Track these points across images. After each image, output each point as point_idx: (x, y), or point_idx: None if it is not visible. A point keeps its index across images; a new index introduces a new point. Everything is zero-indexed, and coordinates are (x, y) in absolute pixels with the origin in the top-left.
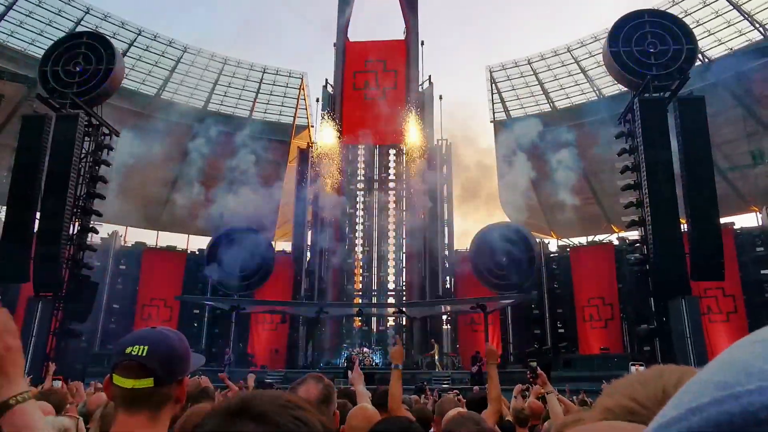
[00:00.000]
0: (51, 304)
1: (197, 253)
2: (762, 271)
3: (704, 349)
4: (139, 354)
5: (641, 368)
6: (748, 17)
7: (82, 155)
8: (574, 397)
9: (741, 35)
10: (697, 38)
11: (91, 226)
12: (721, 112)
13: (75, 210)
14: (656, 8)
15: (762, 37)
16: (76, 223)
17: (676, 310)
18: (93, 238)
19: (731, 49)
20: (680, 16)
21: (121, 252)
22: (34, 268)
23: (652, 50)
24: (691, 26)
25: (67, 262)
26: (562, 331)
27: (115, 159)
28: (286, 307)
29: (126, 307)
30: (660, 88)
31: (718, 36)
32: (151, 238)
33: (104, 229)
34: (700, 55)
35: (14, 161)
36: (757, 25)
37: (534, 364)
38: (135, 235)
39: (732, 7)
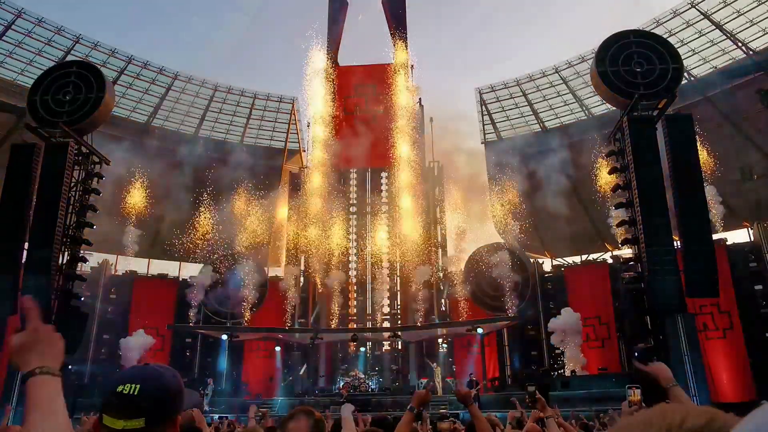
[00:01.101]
0: None
1: (189, 280)
2: (756, 287)
3: (702, 367)
4: (131, 393)
5: (638, 391)
6: (731, 36)
7: (72, 184)
8: (573, 421)
9: (725, 54)
10: (683, 57)
11: (80, 255)
12: (709, 129)
13: (64, 239)
14: (641, 29)
15: (745, 55)
16: (66, 253)
17: (673, 327)
18: (83, 268)
19: (716, 67)
20: (665, 36)
21: (112, 281)
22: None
23: (638, 70)
24: (676, 46)
25: (56, 293)
26: (559, 351)
27: (105, 187)
28: (280, 333)
29: (116, 337)
30: (648, 107)
31: (702, 55)
32: (142, 266)
33: (94, 258)
34: (686, 74)
35: (2, 191)
36: (740, 44)
37: (532, 388)
38: (126, 264)
39: (714, 27)
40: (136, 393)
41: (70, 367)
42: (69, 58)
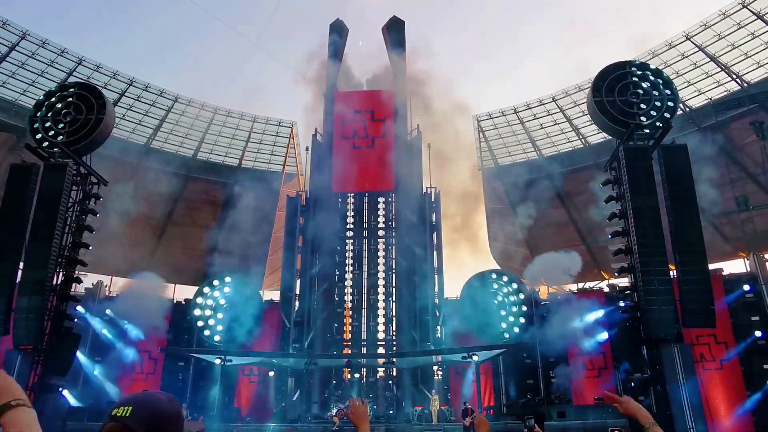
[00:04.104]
0: (31, 358)
1: (183, 303)
2: (752, 318)
3: (699, 398)
4: (123, 415)
5: None
6: (725, 69)
7: (69, 204)
8: None
9: (719, 85)
10: (678, 88)
11: (75, 276)
12: (704, 159)
13: (60, 260)
14: (637, 60)
15: (739, 87)
16: (60, 273)
17: (669, 357)
18: (77, 288)
19: (711, 99)
20: (660, 67)
21: (106, 302)
22: (15, 320)
23: (634, 100)
24: (672, 77)
25: (49, 314)
26: (555, 380)
27: (102, 208)
28: (274, 358)
29: (109, 359)
30: (644, 137)
31: (697, 86)
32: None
33: (89, 279)
34: (681, 105)
35: (0, 210)
36: (734, 76)
37: (532, 421)
38: (120, 285)
39: (709, 60)
40: (127, 415)
41: (61, 389)
42: (71, 79)
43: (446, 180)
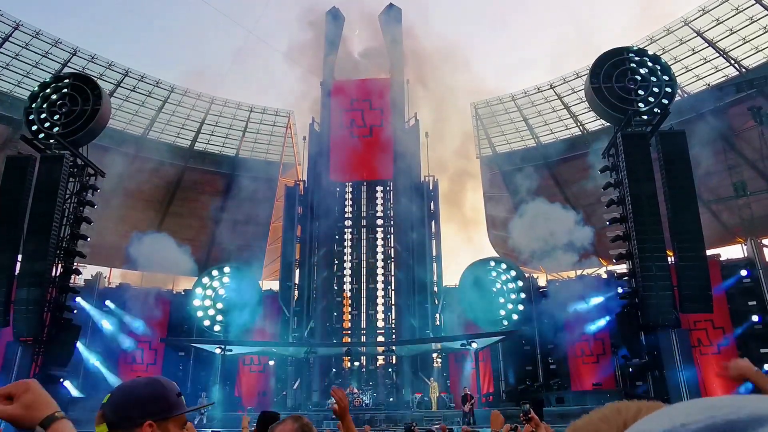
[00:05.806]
0: (31, 350)
1: (183, 293)
2: (750, 303)
3: (696, 383)
4: (105, 402)
5: None
6: (723, 54)
7: (67, 196)
8: None
9: (717, 71)
10: (676, 74)
11: (74, 267)
12: (702, 145)
13: (58, 252)
14: (635, 46)
15: (737, 72)
16: (59, 265)
17: (667, 343)
18: (76, 280)
19: (709, 84)
20: (658, 53)
21: (105, 293)
22: (14, 312)
23: (632, 86)
24: (669, 63)
25: (49, 306)
26: (553, 366)
27: (100, 199)
28: (274, 347)
29: (109, 350)
30: (642, 123)
31: (695, 72)
32: (135, 278)
33: (88, 271)
34: (679, 91)
35: None
36: (732, 62)
37: (527, 406)
38: (119, 276)
39: (708, 45)
40: (106, 402)
41: (61, 380)
42: (66, 70)
43: (444, 168)
